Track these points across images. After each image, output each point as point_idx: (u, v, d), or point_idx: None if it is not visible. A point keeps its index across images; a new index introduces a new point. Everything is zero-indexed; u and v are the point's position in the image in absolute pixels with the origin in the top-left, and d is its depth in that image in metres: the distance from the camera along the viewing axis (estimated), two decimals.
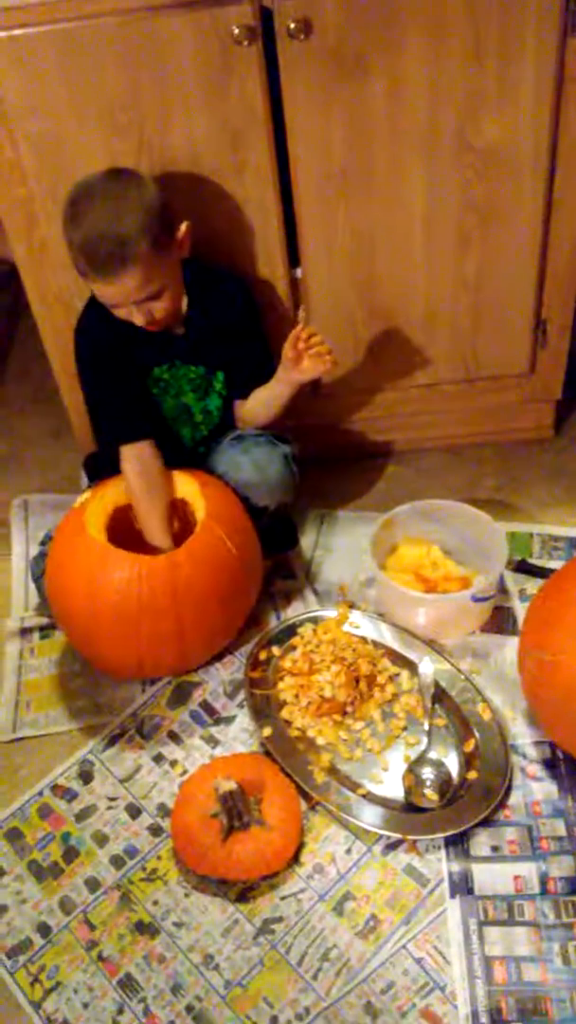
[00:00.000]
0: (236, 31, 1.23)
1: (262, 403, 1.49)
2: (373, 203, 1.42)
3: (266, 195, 1.40)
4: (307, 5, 1.22)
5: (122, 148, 1.35)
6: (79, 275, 1.31)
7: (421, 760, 1.29)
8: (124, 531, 1.39)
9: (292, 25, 1.23)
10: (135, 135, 1.34)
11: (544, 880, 1.17)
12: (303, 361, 1.40)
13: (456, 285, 1.53)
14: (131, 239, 1.24)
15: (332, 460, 1.74)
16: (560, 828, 1.22)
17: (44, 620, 1.55)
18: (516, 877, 1.17)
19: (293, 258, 1.50)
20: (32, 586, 1.59)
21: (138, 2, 1.23)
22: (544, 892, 1.16)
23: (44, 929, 1.20)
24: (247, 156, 1.35)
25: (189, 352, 1.45)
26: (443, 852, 1.21)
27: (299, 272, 1.51)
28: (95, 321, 1.40)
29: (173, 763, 1.35)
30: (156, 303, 1.33)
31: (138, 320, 1.33)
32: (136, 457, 1.40)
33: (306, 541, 1.65)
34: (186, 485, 1.41)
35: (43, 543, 1.54)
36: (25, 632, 1.55)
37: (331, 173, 1.39)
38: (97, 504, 1.38)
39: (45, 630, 1.55)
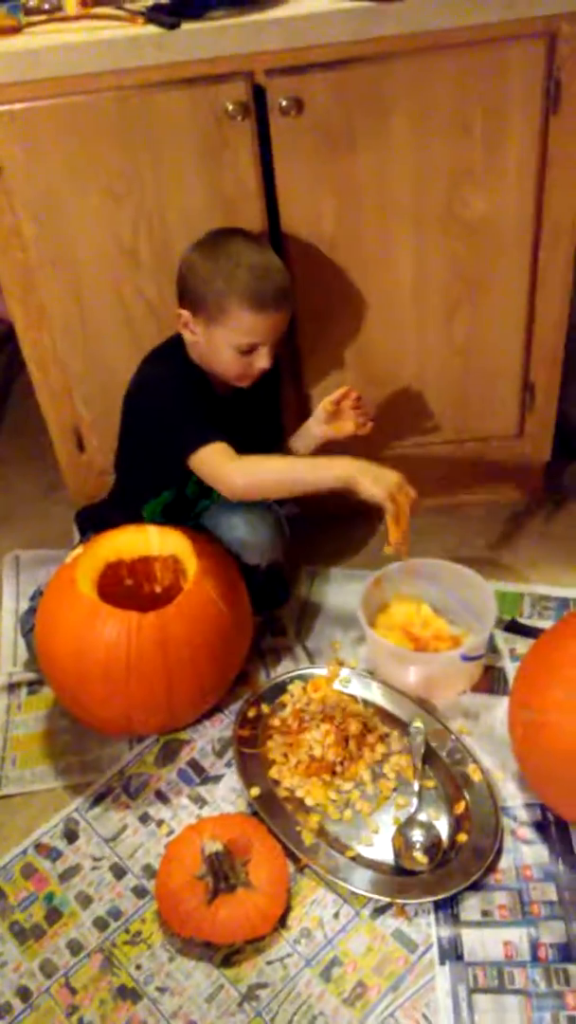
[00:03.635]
0: (230, 107, 1.28)
1: None
2: (363, 272, 1.47)
3: None
4: (298, 84, 1.28)
5: (120, 216, 1.39)
6: (215, 317, 1.30)
7: (411, 822, 1.27)
8: (114, 587, 1.40)
9: (283, 103, 1.28)
10: (133, 204, 1.38)
11: (535, 946, 1.14)
12: (339, 419, 1.42)
13: (445, 350, 1.56)
14: (287, 278, 1.32)
15: (323, 517, 1.75)
16: (551, 892, 1.20)
17: (32, 676, 1.55)
18: (506, 943, 1.15)
19: None
20: (21, 641, 1.59)
21: (135, 79, 1.28)
22: (535, 959, 1.13)
23: (24, 993, 1.17)
24: (240, 225, 1.39)
25: (233, 416, 1.46)
26: (432, 916, 1.19)
27: None
28: (186, 370, 1.40)
29: (160, 823, 1.33)
30: (276, 348, 1.36)
31: (265, 363, 1.35)
32: (228, 451, 1.31)
33: (297, 598, 1.66)
34: (177, 542, 1.42)
35: (33, 598, 1.56)
36: (13, 688, 1.55)
37: (322, 242, 1.43)
38: (88, 559, 1.39)
39: (33, 686, 1.54)
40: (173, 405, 1.36)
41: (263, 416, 1.53)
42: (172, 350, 1.43)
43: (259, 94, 1.29)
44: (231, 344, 1.33)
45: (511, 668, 1.49)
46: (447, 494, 1.79)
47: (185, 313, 1.35)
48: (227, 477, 1.30)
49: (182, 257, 1.34)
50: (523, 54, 1.27)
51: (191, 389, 1.38)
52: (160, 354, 1.44)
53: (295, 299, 1.37)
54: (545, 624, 1.55)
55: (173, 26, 1.25)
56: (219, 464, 1.30)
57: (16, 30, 1.34)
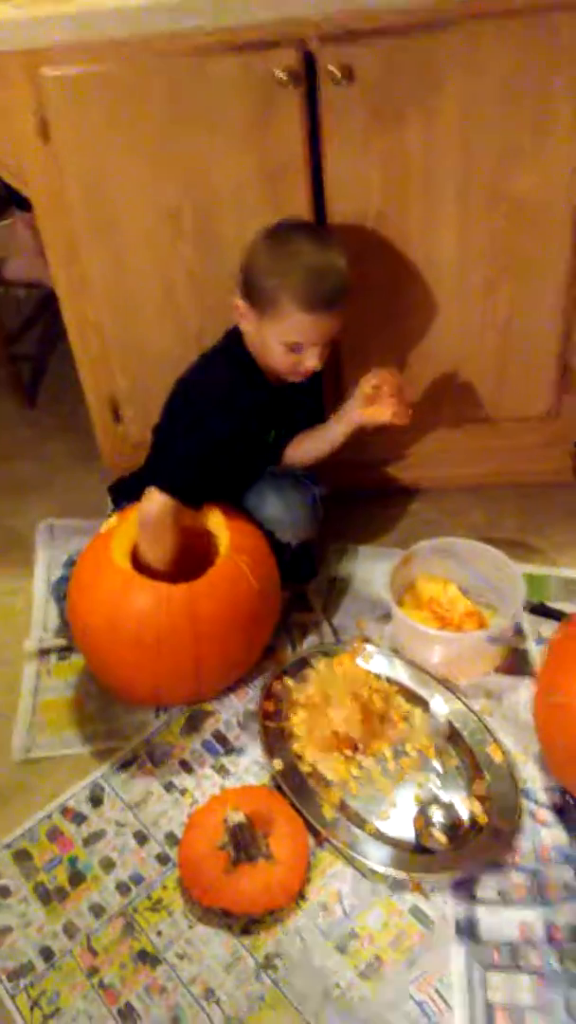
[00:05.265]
0: (281, 74, 1.26)
1: (316, 442, 1.51)
2: (405, 246, 1.45)
3: None
4: (349, 52, 1.25)
5: (166, 184, 1.38)
6: (267, 311, 1.30)
7: (431, 800, 1.29)
8: None
9: (335, 71, 1.26)
10: (179, 172, 1.37)
11: (550, 928, 1.16)
12: (376, 403, 1.41)
13: (484, 328, 1.54)
14: (347, 275, 1.30)
15: (354, 495, 1.75)
16: (568, 875, 1.20)
17: (63, 642, 1.57)
18: (522, 924, 1.17)
19: None
20: (53, 608, 1.61)
21: (186, 45, 1.26)
22: (550, 940, 1.15)
23: (47, 953, 1.20)
24: (285, 196, 1.38)
25: (281, 403, 1.47)
26: (449, 894, 1.20)
27: None
28: (232, 388, 1.40)
29: (183, 792, 1.35)
30: (327, 349, 1.36)
31: (314, 363, 1.35)
32: (174, 511, 1.35)
33: (324, 574, 1.66)
34: (211, 516, 1.43)
35: (66, 566, 1.57)
36: (44, 653, 1.57)
37: (365, 214, 1.41)
38: (123, 530, 1.40)
39: (63, 652, 1.56)
40: (185, 434, 1.40)
41: (308, 399, 1.53)
42: (229, 352, 1.42)
43: (309, 63, 1.27)
44: (280, 340, 1.33)
45: (536, 651, 1.49)
46: (478, 473, 1.77)
47: (241, 303, 1.34)
48: (145, 520, 1.36)
49: (248, 246, 1.33)
50: None
51: (213, 422, 1.38)
52: (216, 354, 1.43)
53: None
54: (572, 608, 1.54)
55: None
56: (158, 510, 1.34)
57: None
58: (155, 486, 1.35)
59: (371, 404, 1.41)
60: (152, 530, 1.36)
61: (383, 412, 1.41)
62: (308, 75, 1.28)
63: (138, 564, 1.37)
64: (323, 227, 1.36)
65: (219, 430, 1.38)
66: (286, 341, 1.32)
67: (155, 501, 1.34)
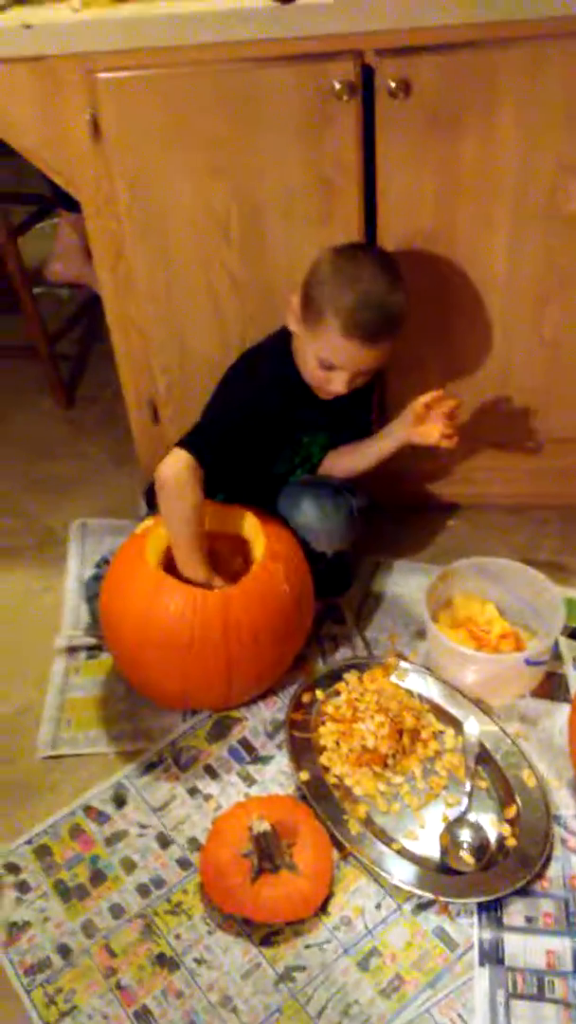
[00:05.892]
0: (337, 86, 1.26)
1: (359, 456, 1.50)
2: (457, 260, 1.44)
3: None
4: (408, 66, 1.26)
5: (215, 190, 1.39)
6: (311, 319, 1.30)
7: (460, 821, 1.26)
8: None
9: (392, 84, 1.26)
10: (229, 179, 1.38)
11: None
12: (426, 423, 1.39)
13: (532, 346, 1.53)
14: (399, 315, 1.28)
15: (393, 508, 1.73)
16: None
17: (92, 641, 1.56)
18: (549, 951, 1.14)
19: None
20: (84, 607, 1.61)
21: (242, 53, 1.27)
22: None
23: (65, 950, 1.19)
24: (336, 207, 1.38)
25: (332, 416, 1.46)
26: (475, 918, 1.17)
27: None
28: (275, 382, 1.40)
29: (207, 797, 1.34)
30: (358, 379, 1.35)
31: (340, 387, 1.33)
32: (195, 472, 1.31)
33: (359, 587, 1.65)
34: (247, 522, 1.43)
35: (98, 565, 1.57)
36: (73, 651, 1.57)
37: (417, 227, 1.41)
38: (158, 532, 1.40)
39: (92, 651, 1.56)
40: (219, 407, 1.39)
41: (355, 413, 1.51)
42: (273, 351, 1.41)
43: (366, 75, 1.27)
44: (314, 352, 1.32)
45: (573, 676, 1.46)
46: (521, 493, 1.75)
47: (295, 301, 1.34)
48: (164, 478, 1.31)
49: (319, 253, 1.33)
50: None
51: (247, 410, 1.37)
52: (260, 351, 1.43)
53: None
54: None
55: (287, 0, 1.23)
56: (179, 472, 1.30)
57: None
58: (180, 445, 1.33)
59: (421, 424, 1.40)
60: (172, 489, 1.31)
61: (432, 433, 1.39)
62: (364, 87, 1.28)
63: (172, 569, 1.36)
64: (390, 256, 1.34)
65: (248, 408, 1.37)
66: (319, 356, 1.32)
67: (176, 458, 1.30)
